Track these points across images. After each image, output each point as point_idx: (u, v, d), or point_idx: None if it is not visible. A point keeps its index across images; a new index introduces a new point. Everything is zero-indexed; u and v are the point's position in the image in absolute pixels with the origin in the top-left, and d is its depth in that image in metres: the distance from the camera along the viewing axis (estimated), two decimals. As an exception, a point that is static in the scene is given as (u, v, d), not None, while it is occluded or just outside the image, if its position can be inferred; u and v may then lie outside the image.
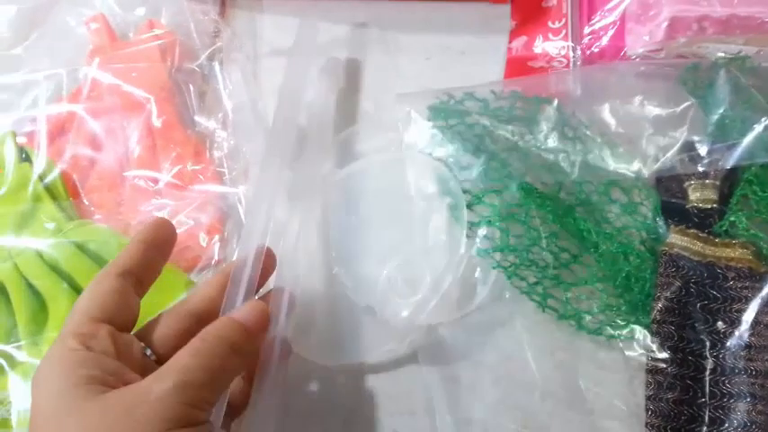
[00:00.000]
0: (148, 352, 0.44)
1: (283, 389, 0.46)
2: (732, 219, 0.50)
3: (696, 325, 0.49)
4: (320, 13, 0.65)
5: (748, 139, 0.51)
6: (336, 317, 0.55)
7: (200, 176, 0.60)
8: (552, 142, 0.54)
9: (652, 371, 0.48)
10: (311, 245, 0.57)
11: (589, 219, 0.53)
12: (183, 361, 0.40)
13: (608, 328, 0.50)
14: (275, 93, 0.58)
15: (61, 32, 0.68)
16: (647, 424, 0.47)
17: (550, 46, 0.60)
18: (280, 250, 0.50)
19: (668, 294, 0.49)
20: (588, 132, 0.54)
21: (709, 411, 0.47)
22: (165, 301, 0.52)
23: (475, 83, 0.58)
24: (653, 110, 0.54)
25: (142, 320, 0.46)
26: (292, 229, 0.53)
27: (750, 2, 0.54)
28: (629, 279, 0.51)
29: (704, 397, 0.47)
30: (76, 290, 0.56)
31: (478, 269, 0.54)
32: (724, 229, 0.51)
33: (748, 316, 0.48)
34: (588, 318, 0.51)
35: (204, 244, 0.58)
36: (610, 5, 0.59)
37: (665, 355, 0.48)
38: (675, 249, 0.50)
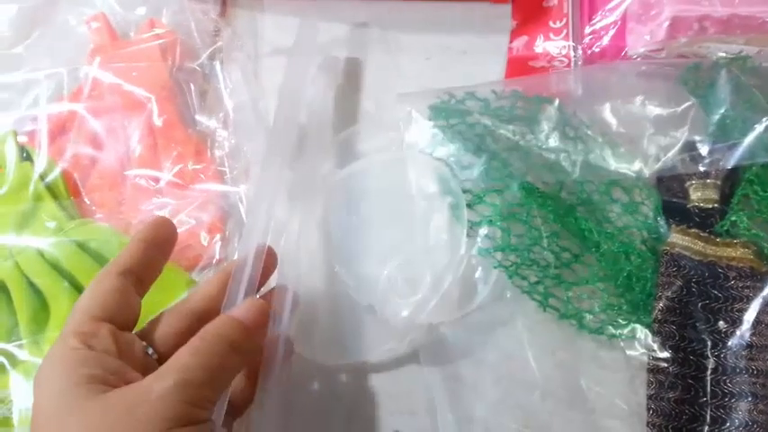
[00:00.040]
0: (150, 351, 0.44)
1: (287, 387, 0.47)
2: (733, 218, 0.50)
3: (697, 324, 0.49)
4: (321, 12, 0.65)
5: (749, 139, 0.51)
6: (337, 316, 0.55)
7: (201, 175, 0.60)
8: (553, 142, 0.54)
9: (653, 370, 0.48)
10: (312, 244, 0.57)
11: (590, 218, 0.53)
12: (182, 360, 0.40)
13: (609, 327, 0.50)
14: (276, 92, 0.58)
15: (62, 31, 0.68)
16: (648, 423, 0.47)
17: (551, 45, 0.60)
18: (281, 249, 0.50)
19: (669, 294, 0.49)
20: (589, 132, 0.54)
21: (711, 411, 0.47)
22: (166, 301, 0.52)
23: (476, 82, 0.58)
24: (654, 109, 0.54)
25: (143, 320, 0.46)
26: (293, 229, 0.53)
27: (751, 2, 0.54)
28: (631, 278, 0.51)
29: (705, 396, 0.47)
30: (77, 289, 0.56)
31: (479, 268, 0.54)
32: (725, 228, 0.51)
33: (749, 315, 0.48)
34: (589, 317, 0.51)
35: (205, 243, 0.58)
36: (611, 5, 0.59)
37: (666, 354, 0.48)
38: (677, 249, 0.50)
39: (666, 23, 0.55)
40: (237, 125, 0.63)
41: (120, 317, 0.43)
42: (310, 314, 0.55)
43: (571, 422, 0.50)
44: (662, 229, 0.52)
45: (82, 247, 0.57)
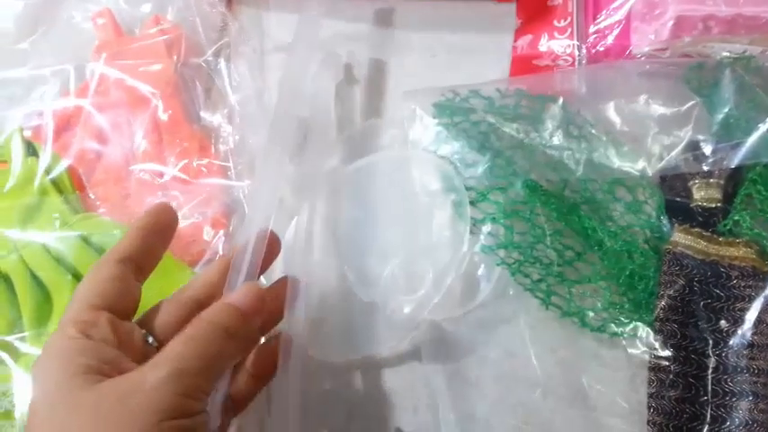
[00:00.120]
0: (150, 339, 0.43)
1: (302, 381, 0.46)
2: (736, 218, 0.50)
3: (699, 323, 0.49)
4: (326, 10, 0.65)
5: (753, 139, 0.51)
6: (339, 313, 0.55)
7: (204, 169, 0.60)
8: (557, 140, 0.54)
9: (654, 368, 0.48)
10: (316, 240, 0.57)
11: (593, 217, 0.53)
12: (177, 348, 0.39)
13: (611, 325, 0.50)
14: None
15: (67, 27, 0.69)
16: (648, 421, 0.47)
17: (556, 44, 0.60)
18: (285, 244, 0.50)
19: (671, 293, 0.49)
20: (593, 131, 0.54)
21: (711, 409, 0.47)
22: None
23: (480, 81, 0.58)
24: (658, 109, 0.54)
25: (146, 313, 0.46)
26: (300, 225, 0.53)
27: (756, 1, 0.54)
28: (633, 277, 0.51)
29: (706, 395, 0.47)
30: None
31: (482, 266, 0.54)
32: (728, 228, 0.51)
33: (751, 315, 0.48)
34: (591, 315, 0.51)
35: (209, 238, 0.58)
36: (615, 4, 0.59)
37: (667, 352, 0.48)
38: (679, 248, 0.50)
39: (671, 23, 0.55)
40: (242, 119, 0.63)
41: (120, 305, 0.42)
42: (311, 310, 0.54)
43: (572, 420, 0.50)
44: (665, 228, 0.52)
45: (85, 240, 0.57)
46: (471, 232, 0.54)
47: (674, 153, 0.52)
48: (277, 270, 0.54)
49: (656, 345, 0.48)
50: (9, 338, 0.55)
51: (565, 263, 0.52)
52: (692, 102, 0.53)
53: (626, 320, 0.50)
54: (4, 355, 0.55)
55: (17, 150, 0.62)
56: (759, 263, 0.49)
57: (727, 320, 0.48)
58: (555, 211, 0.52)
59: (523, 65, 0.61)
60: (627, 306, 0.50)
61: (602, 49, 0.58)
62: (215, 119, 0.63)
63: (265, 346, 0.48)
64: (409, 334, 0.53)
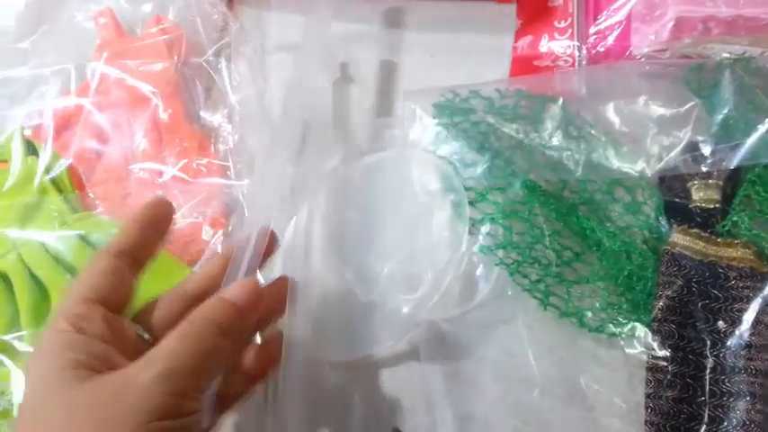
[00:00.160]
0: (146, 335, 0.43)
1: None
2: (735, 219, 0.50)
3: (697, 324, 0.49)
4: (327, 10, 0.65)
5: (752, 140, 0.51)
6: (337, 312, 0.55)
7: (204, 170, 0.61)
8: (557, 141, 0.54)
9: (652, 369, 0.48)
10: (314, 240, 0.57)
11: (592, 217, 0.53)
12: (170, 345, 0.38)
13: (609, 325, 0.50)
14: (281, 87, 0.58)
15: (69, 27, 0.69)
16: (646, 422, 0.47)
17: (556, 45, 0.60)
18: (284, 244, 0.50)
19: (670, 293, 0.49)
20: (593, 131, 0.54)
21: (709, 410, 0.47)
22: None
23: (480, 81, 0.58)
24: (657, 109, 0.54)
25: (144, 311, 0.46)
26: (299, 224, 0.53)
27: (756, 3, 0.54)
28: (631, 278, 0.51)
29: (704, 395, 0.47)
30: (79, 281, 0.56)
31: (481, 266, 0.54)
32: (726, 229, 0.51)
33: (749, 315, 0.48)
34: (590, 315, 0.51)
35: (208, 238, 0.58)
36: (616, 5, 0.59)
37: (665, 353, 0.48)
38: (677, 249, 0.50)
39: (671, 24, 0.55)
40: (242, 119, 0.63)
41: (114, 298, 0.42)
42: (310, 310, 0.54)
43: (570, 420, 0.50)
44: (663, 229, 0.52)
45: (85, 240, 0.57)
46: (470, 232, 0.54)
47: (673, 154, 0.52)
48: (276, 270, 0.54)
49: (654, 345, 0.48)
50: (7, 337, 0.55)
51: (563, 263, 0.52)
52: (692, 103, 0.53)
53: (624, 321, 0.50)
54: (2, 355, 0.55)
55: (17, 149, 0.62)
56: (757, 264, 0.49)
57: (725, 321, 0.48)
58: (554, 211, 0.52)
59: (523, 65, 0.61)
60: (625, 306, 0.50)
61: (602, 49, 0.58)
62: (215, 118, 0.63)
63: (258, 345, 0.48)
64: (408, 334, 0.53)
